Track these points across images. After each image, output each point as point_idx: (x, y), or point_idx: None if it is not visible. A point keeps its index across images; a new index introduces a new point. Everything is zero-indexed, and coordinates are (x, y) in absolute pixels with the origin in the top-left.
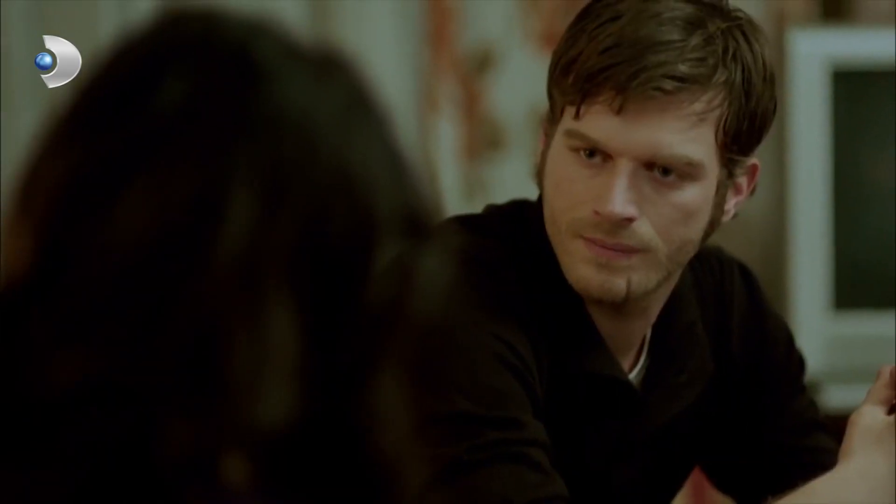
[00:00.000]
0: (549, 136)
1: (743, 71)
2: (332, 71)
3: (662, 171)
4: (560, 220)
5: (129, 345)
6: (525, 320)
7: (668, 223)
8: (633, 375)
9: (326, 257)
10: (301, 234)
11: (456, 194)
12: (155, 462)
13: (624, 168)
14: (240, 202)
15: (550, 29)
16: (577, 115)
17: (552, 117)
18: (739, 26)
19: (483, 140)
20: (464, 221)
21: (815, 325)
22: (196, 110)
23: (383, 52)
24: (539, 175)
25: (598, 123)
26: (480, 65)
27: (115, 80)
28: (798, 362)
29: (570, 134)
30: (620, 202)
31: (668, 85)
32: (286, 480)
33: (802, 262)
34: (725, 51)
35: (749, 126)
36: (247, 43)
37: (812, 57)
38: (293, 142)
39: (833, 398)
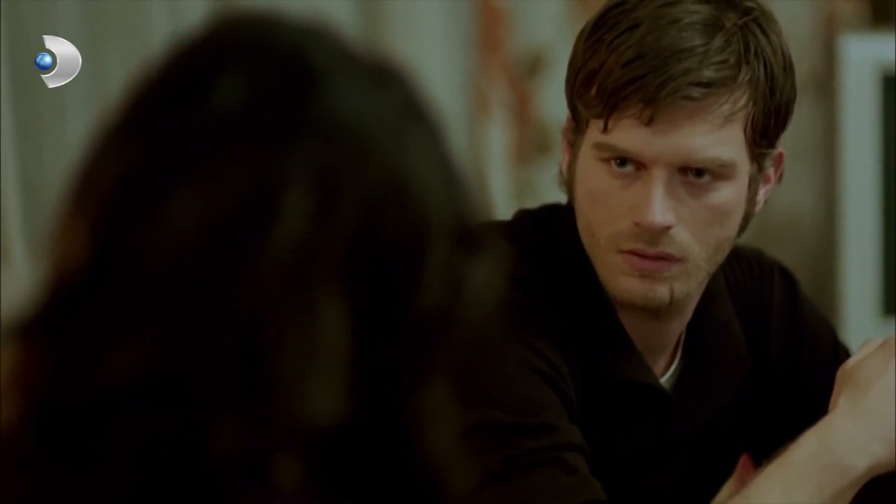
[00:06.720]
0: (574, 147)
1: (765, 67)
2: (387, 77)
3: (696, 173)
4: (599, 234)
5: (181, 341)
6: (555, 328)
7: (703, 226)
8: (668, 375)
9: (377, 260)
10: (352, 237)
11: (506, 198)
12: (205, 460)
13: (659, 176)
14: (292, 203)
15: None
16: (605, 129)
17: (576, 128)
18: (755, 20)
19: (533, 143)
20: (492, 229)
21: (865, 331)
22: (251, 112)
23: (433, 56)
24: (568, 186)
25: (628, 135)
26: (531, 68)
27: (171, 81)
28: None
29: (600, 146)
30: (660, 211)
31: (696, 92)
32: (335, 481)
33: (852, 267)
34: (747, 49)
35: (775, 119)
36: (302, 47)
37: (862, 62)
38: (346, 145)
39: None
